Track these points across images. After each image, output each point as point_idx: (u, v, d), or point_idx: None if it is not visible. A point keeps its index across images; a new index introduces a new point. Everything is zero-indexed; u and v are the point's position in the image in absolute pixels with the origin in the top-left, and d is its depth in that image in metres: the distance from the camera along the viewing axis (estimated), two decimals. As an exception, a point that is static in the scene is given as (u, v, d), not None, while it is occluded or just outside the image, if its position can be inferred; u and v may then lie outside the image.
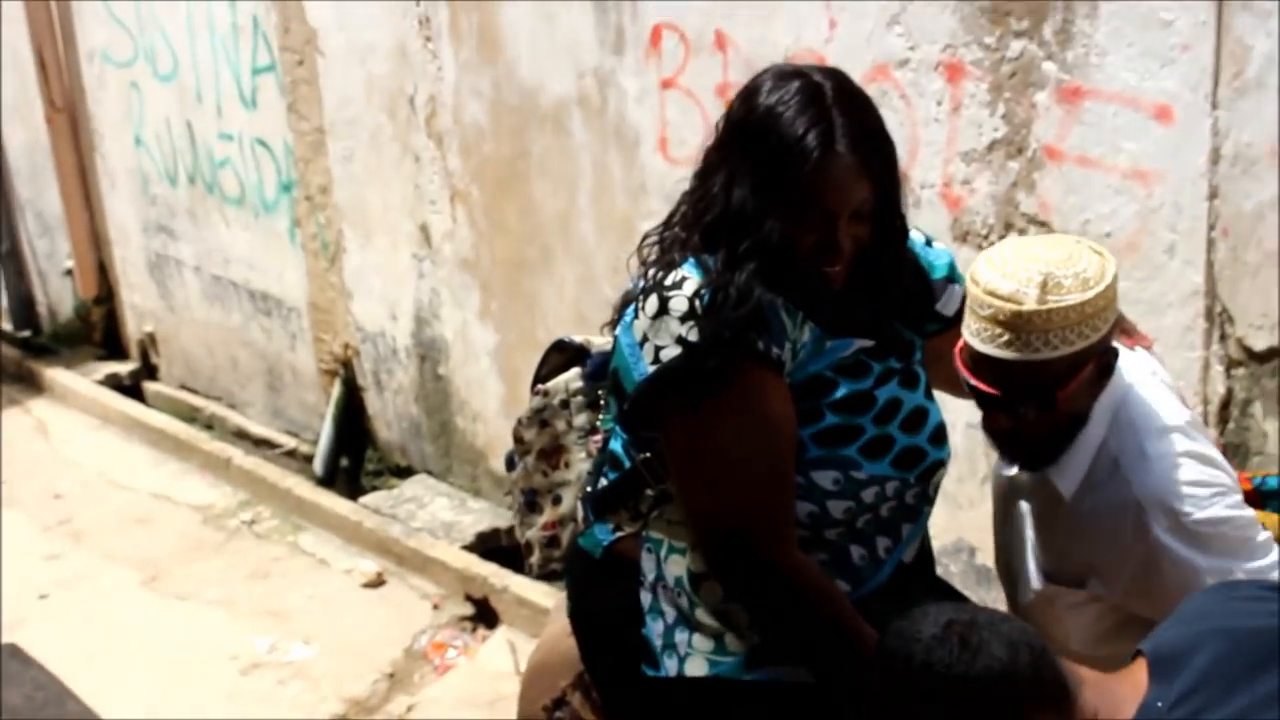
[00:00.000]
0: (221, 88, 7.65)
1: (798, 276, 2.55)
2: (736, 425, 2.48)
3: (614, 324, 2.70)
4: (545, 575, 2.99)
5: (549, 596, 5.94)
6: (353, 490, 7.46)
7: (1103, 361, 2.71)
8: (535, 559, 2.98)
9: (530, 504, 2.97)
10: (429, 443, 7.22)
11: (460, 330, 6.72)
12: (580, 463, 2.90)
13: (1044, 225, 4.29)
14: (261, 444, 8.16)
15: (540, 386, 2.92)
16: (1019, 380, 2.63)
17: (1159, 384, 2.91)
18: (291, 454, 7.98)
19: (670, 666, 2.68)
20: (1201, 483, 2.73)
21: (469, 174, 6.34)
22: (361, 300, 7.27)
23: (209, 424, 8.49)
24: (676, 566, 2.68)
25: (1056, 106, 4.18)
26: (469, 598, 6.20)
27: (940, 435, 2.74)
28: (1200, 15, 3.81)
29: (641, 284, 2.62)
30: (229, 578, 6.63)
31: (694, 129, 5.26)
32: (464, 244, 6.50)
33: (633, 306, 2.60)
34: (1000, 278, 2.60)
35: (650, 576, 2.72)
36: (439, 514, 6.84)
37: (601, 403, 2.83)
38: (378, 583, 6.50)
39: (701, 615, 2.66)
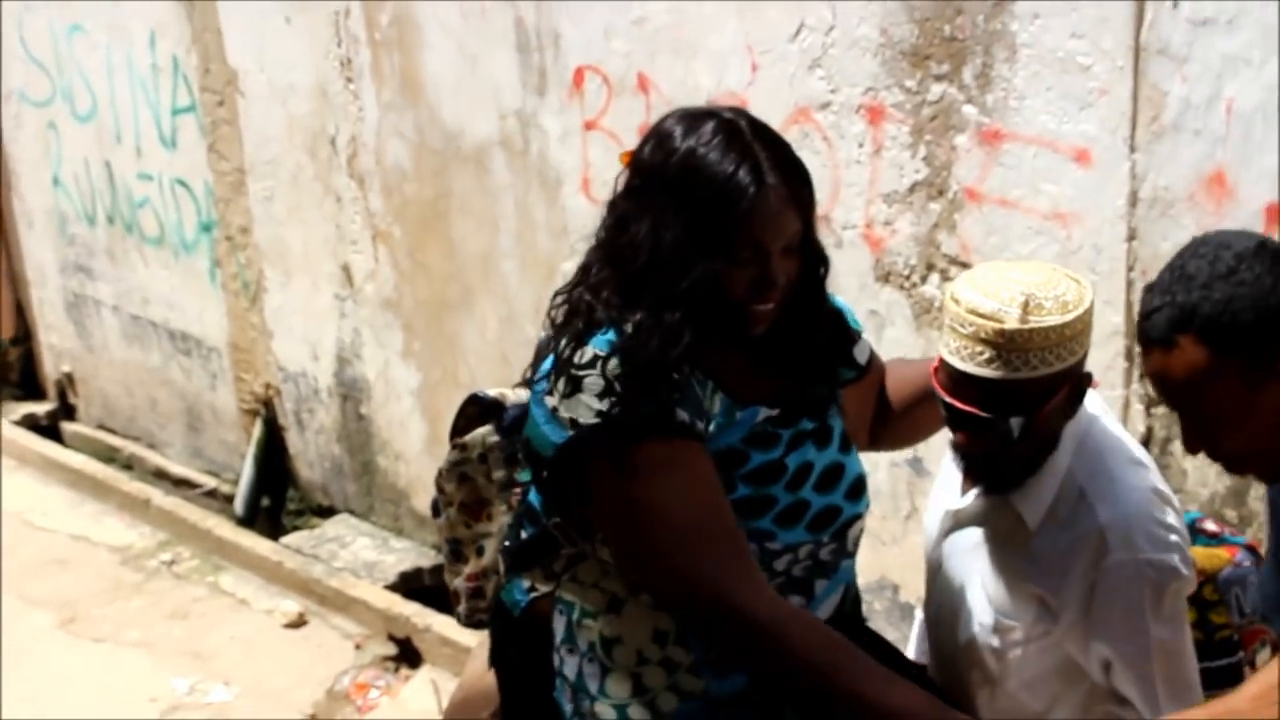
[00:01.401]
0: (141, 128, 7.61)
1: (717, 331, 2.52)
2: (674, 492, 2.42)
3: (528, 382, 2.64)
4: (473, 624, 2.95)
5: (473, 636, 5.88)
6: (274, 530, 7.41)
7: (1076, 387, 2.72)
8: (462, 608, 2.94)
9: (455, 553, 2.92)
10: (351, 482, 7.19)
11: (382, 370, 6.71)
12: (502, 515, 2.85)
13: (965, 266, 4.33)
14: (181, 484, 8.09)
15: (457, 440, 2.86)
16: (997, 399, 2.63)
17: (1115, 420, 2.95)
18: (212, 494, 7.92)
19: None
20: (1166, 525, 2.76)
21: (391, 214, 6.34)
22: (283, 340, 7.25)
23: (128, 464, 8.42)
24: (589, 631, 2.65)
25: (977, 149, 4.24)
26: (392, 637, 6.18)
27: (857, 488, 2.71)
28: (1117, 60, 3.88)
29: (553, 349, 2.55)
30: (148, 619, 6.57)
31: (616, 169, 5.27)
32: (386, 284, 6.49)
33: (544, 378, 2.53)
34: (982, 297, 2.61)
35: (559, 638, 2.70)
36: (361, 554, 6.81)
37: (519, 457, 2.79)
38: (299, 623, 6.47)
39: (611, 682, 2.63)
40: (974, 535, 2.92)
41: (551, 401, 2.48)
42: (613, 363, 2.44)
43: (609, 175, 5.22)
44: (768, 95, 4.68)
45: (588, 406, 2.42)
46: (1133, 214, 3.94)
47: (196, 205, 7.46)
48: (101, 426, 8.81)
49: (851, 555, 2.76)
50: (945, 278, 4.42)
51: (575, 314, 2.55)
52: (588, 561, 2.64)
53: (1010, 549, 2.84)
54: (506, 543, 2.80)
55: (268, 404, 7.49)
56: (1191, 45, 3.74)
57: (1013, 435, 2.66)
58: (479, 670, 3.03)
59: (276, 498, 7.65)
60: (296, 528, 7.37)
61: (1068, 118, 4.03)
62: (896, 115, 4.40)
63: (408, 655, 6.12)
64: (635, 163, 2.56)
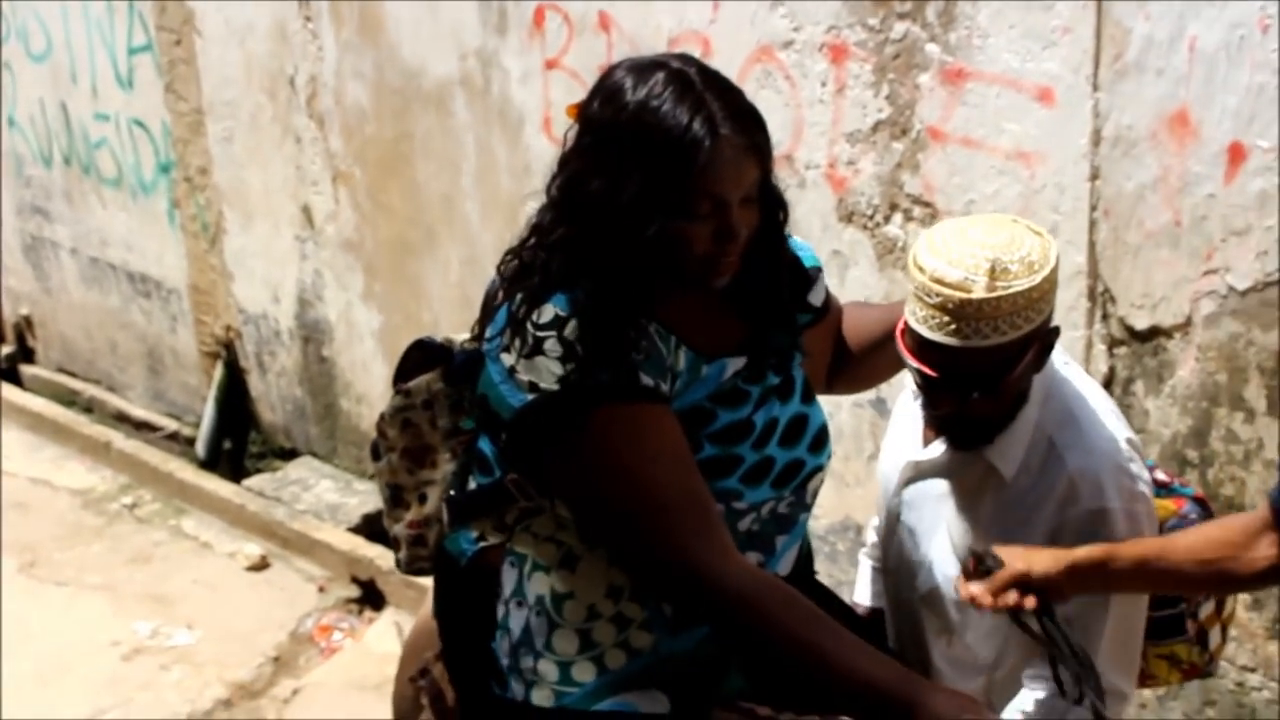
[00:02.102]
0: (97, 68, 7.54)
1: (677, 284, 2.48)
2: (639, 459, 2.39)
3: (479, 336, 2.59)
4: (413, 571, 2.91)
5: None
6: (236, 473, 7.40)
7: (1046, 342, 2.71)
8: (403, 555, 2.86)
9: (396, 499, 2.85)
10: (313, 425, 7.17)
11: (344, 312, 6.68)
12: (446, 463, 2.78)
13: (928, 206, 4.33)
14: (142, 427, 8.06)
15: (401, 385, 2.78)
16: (965, 365, 2.61)
17: (1079, 370, 2.95)
18: (173, 437, 7.89)
19: (517, 691, 2.64)
20: (1134, 476, 2.78)
21: (351, 155, 6.30)
22: (243, 282, 7.21)
23: (88, 407, 8.38)
24: (539, 585, 2.62)
25: (940, 88, 4.22)
26: (355, 580, 6.17)
27: (820, 440, 2.69)
28: (1080, -1, 3.87)
29: (507, 306, 2.49)
30: (110, 563, 6.55)
31: (579, 110, 5.26)
32: (347, 225, 6.46)
33: (499, 335, 2.48)
34: (947, 265, 2.58)
35: (508, 591, 2.66)
36: (324, 496, 6.81)
37: (465, 404, 2.75)
38: (262, 566, 6.46)
39: (558, 638, 2.60)
40: (938, 486, 2.92)
41: (508, 360, 2.43)
42: (572, 324, 2.40)
43: (570, 115, 5.22)
44: (730, 34, 4.65)
45: (548, 370, 2.38)
46: (1095, 153, 3.94)
47: (154, 146, 7.40)
48: (61, 370, 8.76)
49: (809, 508, 2.73)
50: (908, 218, 4.41)
51: (529, 271, 2.49)
52: (543, 515, 2.60)
53: (979, 500, 2.84)
54: (452, 492, 2.75)
55: (229, 346, 7.46)
56: (1155, -17, 3.74)
57: (980, 398, 2.66)
58: (428, 612, 3.01)
59: (238, 441, 7.62)
60: (259, 470, 7.36)
61: (1031, 56, 4.02)
62: (859, 54, 4.38)
63: (371, 597, 6.11)
64: (585, 118, 2.49)
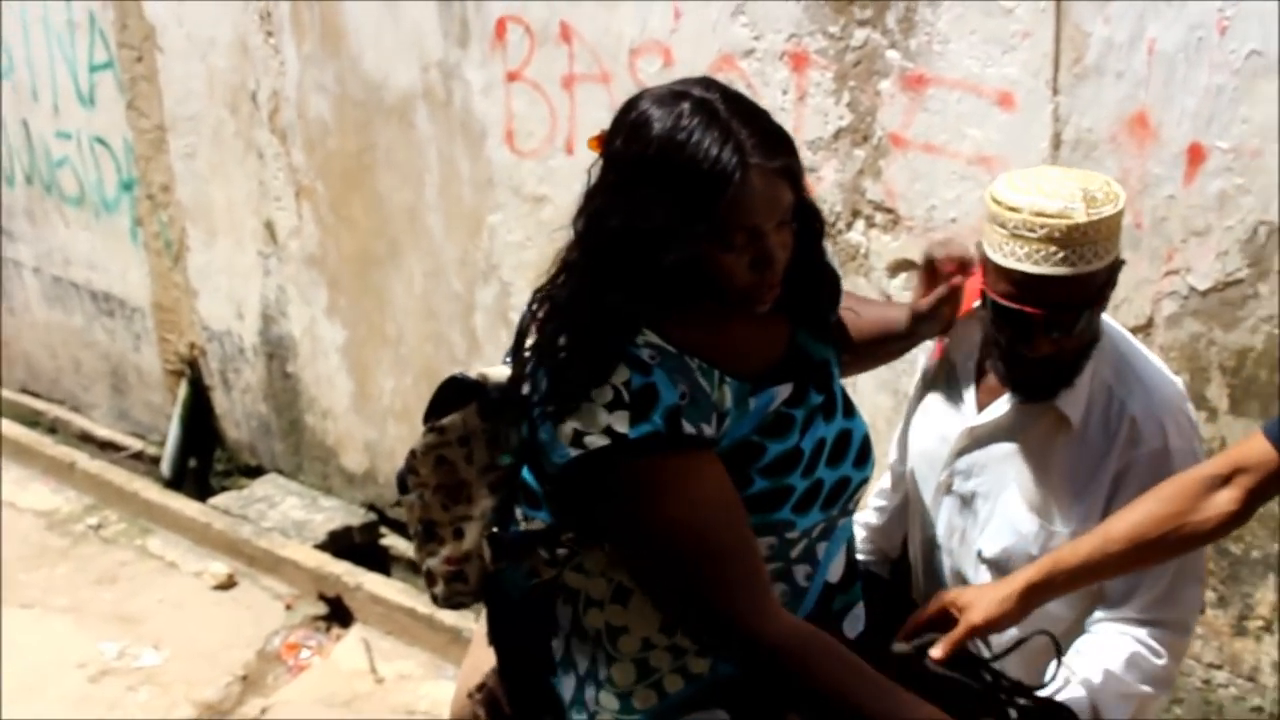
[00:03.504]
0: (58, 85, 7.50)
1: (709, 314, 2.46)
2: (682, 512, 2.38)
3: (516, 357, 2.55)
4: (452, 606, 2.87)
5: (404, 594, 5.92)
6: (201, 491, 7.36)
7: (1116, 275, 2.83)
8: (440, 590, 2.79)
9: (429, 534, 2.77)
10: (279, 441, 7.15)
11: (308, 327, 6.66)
12: (484, 499, 2.71)
13: (890, 212, 4.34)
14: (107, 447, 8.02)
15: (434, 423, 2.71)
16: (1073, 295, 2.71)
17: (1116, 323, 3.04)
18: (138, 456, 7.86)
19: None
20: (1190, 418, 2.93)
21: (314, 169, 6.28)
22: (207, 299, 7.18)
23: (52, 428, 8.34)
24: (594, 619, 2.61)
25: (901, 94, 4.23)
26: (322, 597, 6.15)
27: (864, 453, 2.67)
28: (1040, 3, 3.88)
29: (543, 351, 2.46)
30: (76, 584, 6.51)
31: (540, 121, 5.26)
32: (310, 240, 6.44)
33: (537, 381, 2.46)
34: (1044, 198, 2.67)
35: (566, 627, 2.65)
36: (290, 513, 6.78)
37: (502, 439, 2.68)
38: (229, 584, 6.42)
39: (616, 670, 2.60)
40: (1002, 448, 2.98)
41: (552, 410, 2.41)
42: (610, 370, 2.37)
43: (533, 126, 5.24)
44: (691, 43, 4.66)
45: (595, 421, 2.35)
46: (1056, 156, 3.95)
47: (116, 163, 7.37)
48: (25, 390, 8.72)
49: (850, 514, 2.72)
50: (870, 224, 4.41)
51: (561, 311, 2.46)
52: (593, 552, 2.57)
53: (1049, 452, 2.92)
54: (494, 529, 2.71)
55: (193, 364, 7.43)
56: (1113, -15, 3.75)
57: (1086, 330, 2.78)
58: (484, 635, 2.99)
59: (203, 459, 7.59)
60: (224, 488, 7.33)
61: (991, 61, 4.03)
62: (820, 61, 4.39)
63: (339, 614, 6.09)
64: (609, 155, 2.45)
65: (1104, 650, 2.89)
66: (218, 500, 7.04)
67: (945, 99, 4.16)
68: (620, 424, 2.34)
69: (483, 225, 5.65)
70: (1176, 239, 3.83)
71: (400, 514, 6.05)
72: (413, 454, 2.73)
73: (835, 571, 2.68)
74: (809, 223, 2.53)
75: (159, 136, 6.99)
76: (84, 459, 7.63)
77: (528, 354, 2.51)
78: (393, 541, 6.59)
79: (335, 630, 6.04)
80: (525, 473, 2.63)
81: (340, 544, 6.52)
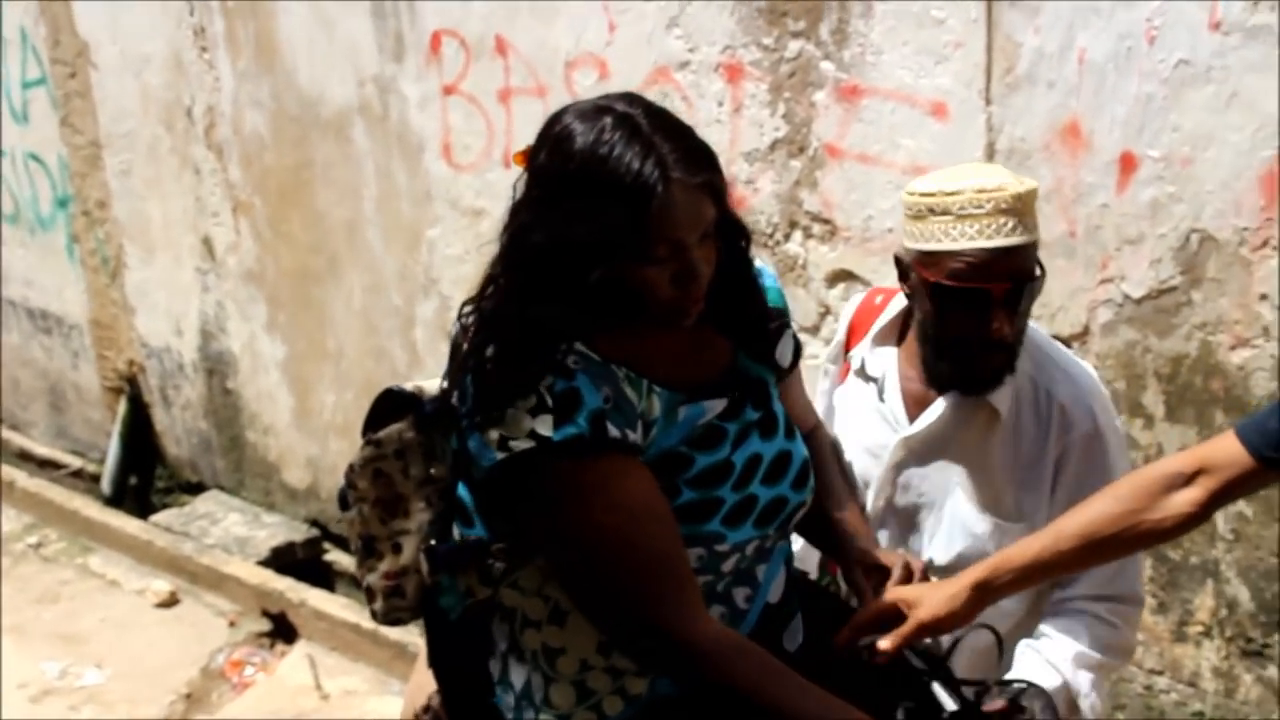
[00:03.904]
0: (-9, 102, 7.47)
1: (641, 329, 2.44)
2: (607, 517, 2.37)
3: (450, 382, 2.52)
4: (391, 622, 2.86)
5: (348, 609, 5.90)
6: (143, 509, 7.33)
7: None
8: (379, 607, 2.76)
9: (368, 550, 2.75)
10: (220, 458, 7.12)
11: (248, 343, 6.63)
12: (420, 512, 2.69)
13: (827, 223, 4.35)
14: (46, 465, 7.97)
15: (371, 435, 2.70)
16: (1024, 266, 2.77)
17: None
18: (78, 474, 7.81)
19: None
20: (1108, 398, 3.00)
21: (251, 185, 6.26)
22: (145, 316, 7.15)
23: (-10, 446, 8.29)
24: (532, 640, 2.59)
25: (836, 105, 4.25)
26: (266, 613, 6.12)
27: (803, 476, 2.65)
28: (971, 13, 3.90)
29: (469, 359, 2.44)
30: (16, 604, 6.45)
31: (477, 134, 5.26)
32: (249, 256, 6.42)
33: (463, 389, 2.44)
34: (979, 178, 2.75)
35: (503, 646, 2.63)
36: (232, 530, 6.75)
37: (437, 452, 2.64)
38: (171, 602, 6.39)
39: (555, 691, 2.58)
40: (938, 454, 2.99)
41: (478, 418, 2.39)
42: (532, 374, 2.35)
43: (470, 140, 5.24)
44: (626, 55, 4.67)
45: (518, 425, 2.34)
46: (990, 166, 3.97)
47: (51, 180, 7.33)
48: (-38, 409, 8.66)
49: (788, 536, 2.71)
50: (808, 235, 4.43)
51: (487, 322, 2.43)
52: (528, 569, 2.56)
53: (986, 450, 2.95)
54: (432, 541, 2.68)
55: (132, 381, 7.39)
56: (1043, -4, 3.78)
57: (1030, 305, 2.83)
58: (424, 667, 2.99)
59: (144, 476, 7.56)
60: (166, 505, 7.30)
61: (924, 72, 4.05)
62: (755, 73, 4.40)
63: (283, 631, 6.06)
64: (533, 170, 2.42)
65: (1067, 630, 2.94)
66: (159, 518, 7.00)
67: (880, 109, 4.18)
68: (544, 427, 2.33)
69: (421, 239, 5.64)
70: (1110, 247, 3.86)
71: (344, 529, 6.03)
72: (351, 468, 2.72)
73: (775, 592, 2.68)
74: (734, 237, 2.52)
75: (94, 153, 6.96)
76: (23, 477, 7.59)
77: (453, 365, 2.51)
78: (336, 557, 6.58)
79: (280, 647, 6.01)
80: (460, 489, 2.62)
81: (283, 560, 6.50)
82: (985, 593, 2.68)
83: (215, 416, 7.03)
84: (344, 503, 2.77)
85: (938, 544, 3.03)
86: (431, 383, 2.70)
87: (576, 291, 2.35)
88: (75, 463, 7.91)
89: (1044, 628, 2.97)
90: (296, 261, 6.22)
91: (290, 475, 6.74)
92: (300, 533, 6.66)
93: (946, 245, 2.75)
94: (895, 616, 2.70)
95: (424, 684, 2.96)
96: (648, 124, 2.35)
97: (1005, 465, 2.94)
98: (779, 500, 2.58)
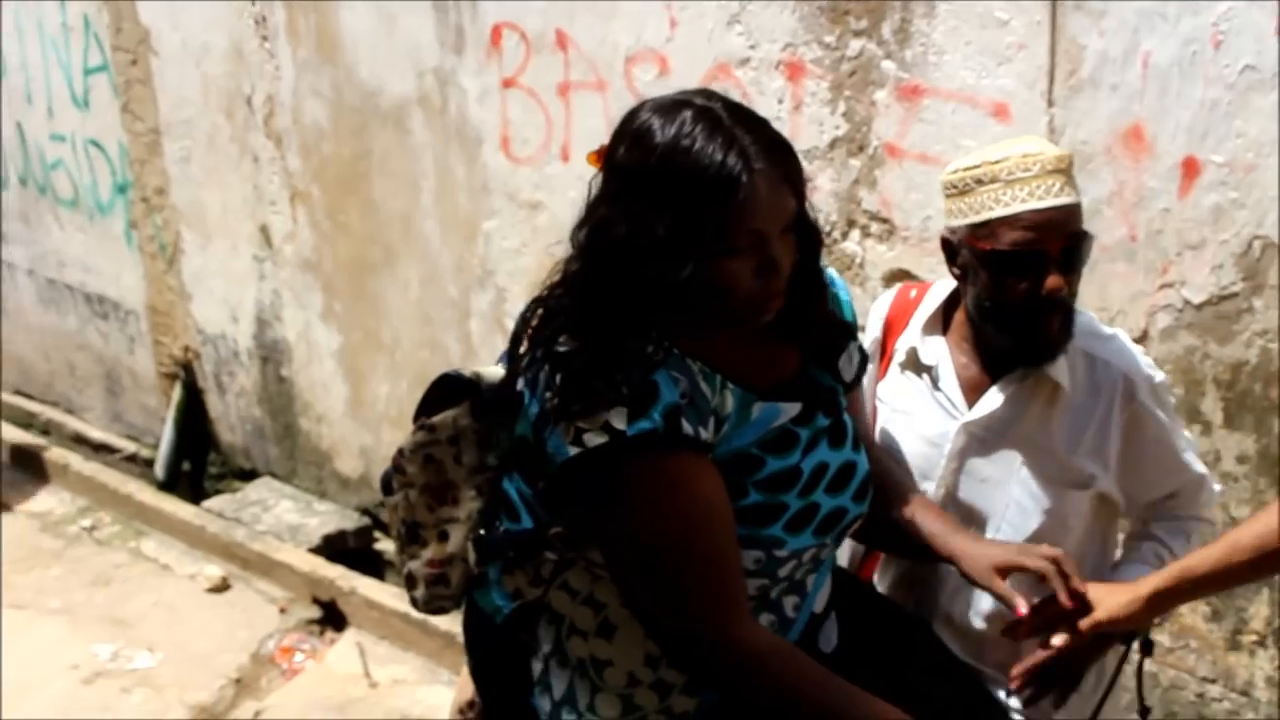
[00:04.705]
0: (53, 88, 7.51)
1: (722, 323, 2.45)
2: (671, 517, 2.36)
3: (511, 361, 2.54)
4: (432, 610, 2.79)
5: (398, 598, 5.92)
6: (195, 494, 7.37)
7: None
8: (420, 594, 2.77)
9: (412, 536, 2.75)
10: (273, 445, 7.15)
11: (303, 332, 6.66)
12: (470, 500, 2.69)
13: (886, 222, 4.34)
14: (101, 449, 8.03)
15: (425, 420, 2.70)
16: (1077, 224, 2.82)
17: None
18: (132, 459, 7.86)
19: None
20: (1144, 356, 3.04)
21: (309, 174, 6.29)
22: (201, 302, 7.18)
23: (46, 430, 8.34)
24: (579, 648, 2.59)
25: (896, 104, 4.24)
26: (316, 601, 6.15)
27: (864, 489, 2.65)
28: (1035, 15, 3.89)
29: (540, 352, 2.44)
30: (69, 586, 6.51)
31: (536, 128, 5.26)
32: (305, 245, 6.44)
33: (536, 382, 2.44)
34: (1022, 145, 2.80)
35: (546, 648, 2.63)
36: (284, 517, 6.78)
37: (492, 440, 2.64)
38: (222, 588, 6.43)
39: (601, 701, 2.58)
40: (1001, 437, 3.01)
41: (551, 406, 2.38)
42: (606, 369, 2.35)
43: (528, 133, 5.25)
44: (687, 52, 4.67)
45: (592, 417, 2.33)
46: (1052, 169, 3.96)
47: (111, 166, 7.37)
48: (19, 392, 8.72)
49: (838, 545, 2.71)
50: (866, 234, 4.42)
51: (557, 318, 2.45)
52: (577, 568, 2.57)
53: (1049, 426, 2.97)
54: (481, 531, 2.69)
55: (187, 367, 7.43)
56: (1108, -1, 3.76)
57: (1085, 264, 2.89)
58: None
59: (197, 462, 7.60)
60: (218, 491, 7.33)
61: (986, 73, 4.04)
62: (816, 71, 4.40)
63: (333, 618, 6.10)
64: (611, 165, 2.44)
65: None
66: (212, 503, 7.04)
67: (940, 110, 4.17)
68: (619, 420, 2.32)
69: (478, 231, 5.65)
70: (1171, 252, 3.84)
71: (385, 514, 6.04)
72: (400, 453, 2.72)
73: (821, 602, 2.69)
74: (808, 239, 2.52)
75: (154, 140, 7.00)
76: (78, 461, 7.65)
77: (524, 355, 2.50)
78: (387, 546, 6.59)
79: (329, 634, 6.04)
80: (505, 483, 2.62)
81: (335, 548, 6.52)
82: (1162, 601, 2.78)
83: (269, 404, 7.06)
84: (388, 487, 2.78)
85: (1010, 524, 3.03)
86: (491, 370, 2.70)
87: (657, 286, 2.35)
88: (129, 447, 7.96)
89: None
90: (353, 251, 6.24)
91: (343, 464, 6.77)
92: (352, 521, 6.68)
93: (1000, 212, 2.79)
94: (1073, 614, 2.76)
95: (470, 680, 2.98)
96: (728, 116, 2.36)
97: (1069, 438, 2.96)
98: (839, 510, 2.58)
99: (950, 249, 2.92)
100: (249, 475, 7.35)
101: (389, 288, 6.14)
